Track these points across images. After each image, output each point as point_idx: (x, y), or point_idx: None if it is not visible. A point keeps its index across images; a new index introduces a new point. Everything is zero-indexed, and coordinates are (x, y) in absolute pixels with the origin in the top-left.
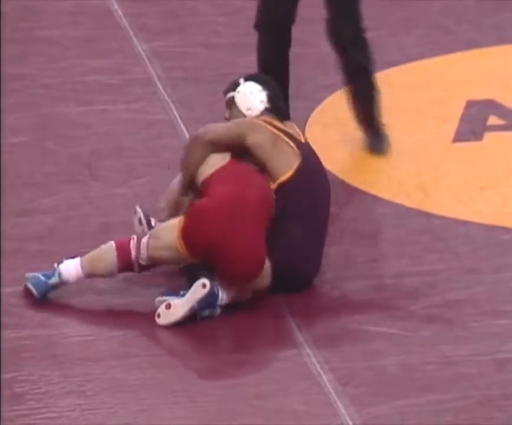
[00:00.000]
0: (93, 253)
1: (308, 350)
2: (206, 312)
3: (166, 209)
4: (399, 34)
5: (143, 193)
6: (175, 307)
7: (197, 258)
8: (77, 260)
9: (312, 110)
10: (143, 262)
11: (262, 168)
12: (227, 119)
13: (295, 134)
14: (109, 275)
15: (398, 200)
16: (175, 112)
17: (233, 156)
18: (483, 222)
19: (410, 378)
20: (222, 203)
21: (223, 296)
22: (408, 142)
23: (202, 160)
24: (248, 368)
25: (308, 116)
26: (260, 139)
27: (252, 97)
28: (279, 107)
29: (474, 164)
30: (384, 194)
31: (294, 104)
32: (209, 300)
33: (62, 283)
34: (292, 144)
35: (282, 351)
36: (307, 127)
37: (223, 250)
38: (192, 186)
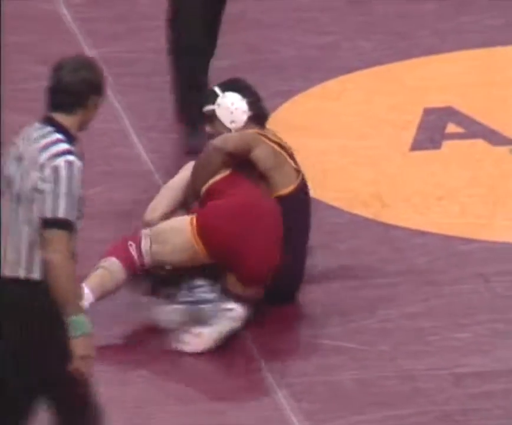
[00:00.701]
0: (98, 275)
1: (263, 364)
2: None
3: (158, 218)
4: (357, 39)
5: (97, 202)
6: (206, 337)
7: (213, 258)
8: (83, 287)
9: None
10: (145, 267)
11: (262, 180)
12: (211, 134)
13: (290, 149)
14: (118, 290)
15: (354, 210)
16: (126, 120)
17: (234, 168)
18: (442, 233)
19: (367, 393)
20: (240, 204)
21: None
22: (365, 150)
23: (219, 170)
24: (201, 382)
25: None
26: (264, 152)
27: (234, 108)
28: (261, 111)
29: (432, 173)
30: (340, 204)
31: None
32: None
33: None
34: (290, 160)
35: (237, 366)
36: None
37: (239, 248)
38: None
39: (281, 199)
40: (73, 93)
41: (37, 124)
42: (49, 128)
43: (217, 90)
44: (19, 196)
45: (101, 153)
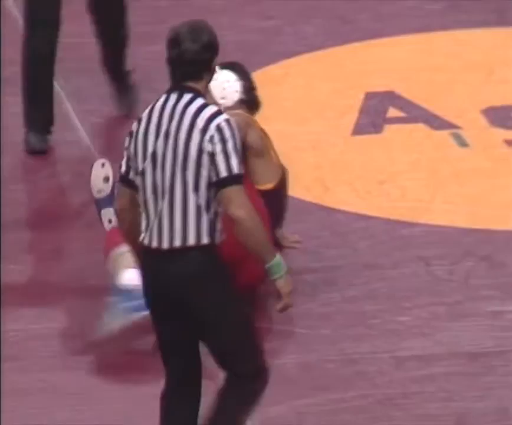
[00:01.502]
0: (130, 258)
1: (202, 347)
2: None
3: None
4: (298, 23)
5: (40, 189)
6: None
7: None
8: (133, 270)
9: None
10: None
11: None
12: None
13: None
14: None
15: (297, 195)
16: (68, 105)
17: None
18: (383, 216)
19: (309, 377)
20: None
21: None
22: (307, 135)
23: None
24: (145, 369)
25: None
26: (256, 135)
27: (227, 85)
28: (253, 99)
29: (374, 157)
30: None
31: None
32: None
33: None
34: (273, 153)
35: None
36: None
37: (238, 257)
38: None
39: (263, 193)
40: (199, 62)
41: (172, 96)
42: (189, 96)
43: (216, 67)
44: (175, 168)
45: None
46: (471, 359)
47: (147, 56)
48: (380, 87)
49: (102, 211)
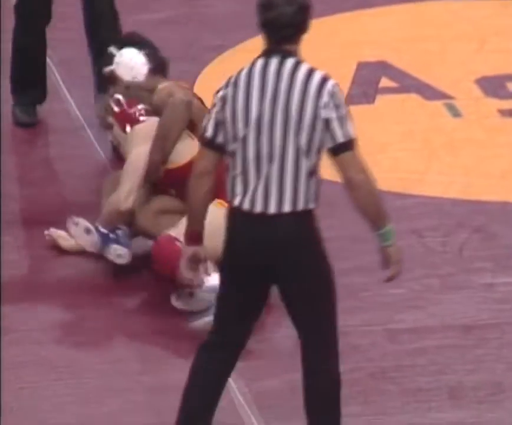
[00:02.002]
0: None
1: (194, 320)
2: None
3: (133, 203)
4: None
5: (24, 161)
6: (196, 300)
7: None
8: (215, 276)
9: (200, 72)
10: None
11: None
12: (101, 111)
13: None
14: None
15: None
16: (57, 75)
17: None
18: None
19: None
20: None
21: None
22: None
23: (185, 124)
24: (131, 344)
25: (196, 78)
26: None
27: (134, 63)
28: (160, 61)
29: (366, 128)
30: None
31: (180, 67)
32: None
33: None
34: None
35: (165, 323)
36: (194, 89)
37: None
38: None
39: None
40: (297, 24)
41: (272, 59)
42: (292, 60)
43: (113, 50)
44: (286, 132)
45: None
46: (464, 332)
47: (138, 24)
48: (372, 57)
49: (108, 250)
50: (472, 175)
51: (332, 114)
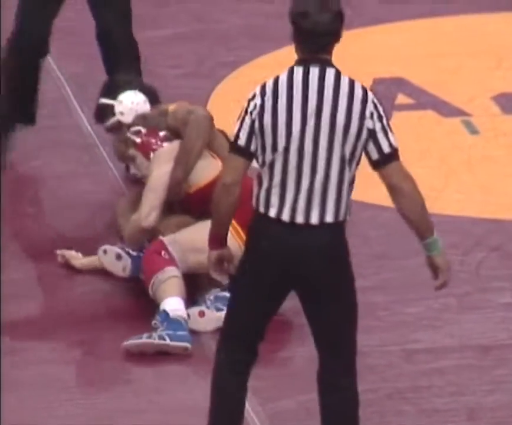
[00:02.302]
0: (174, 284)
1: (206, 338)
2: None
3: (155, 221)
4: None
5: (36, 178)
6: (208, 320)
7: None
8: (177, 298)
9: (213, 89)
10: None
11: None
12: (119, 146)
13: None
14: None
15: None
16: (68, 90)
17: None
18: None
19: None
20: None
21: None
22: None
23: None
24: (145, 362)
25: (209, 95)
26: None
27: (136, 105)
28: (152, 89)
29: None
30: None
31: (193, 83)
32: None
33: (187, 323)
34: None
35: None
36: (207, 107)
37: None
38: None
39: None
40: (334, 32)
41: (312, 69)
42: (333, 70)
43: (107, 101)
44: (332, 143)
45: (38, 124)
46: (482, 352)
47: (149, 41)
48: (388, 73)
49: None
50: (490, 193)
51: (377, 126)
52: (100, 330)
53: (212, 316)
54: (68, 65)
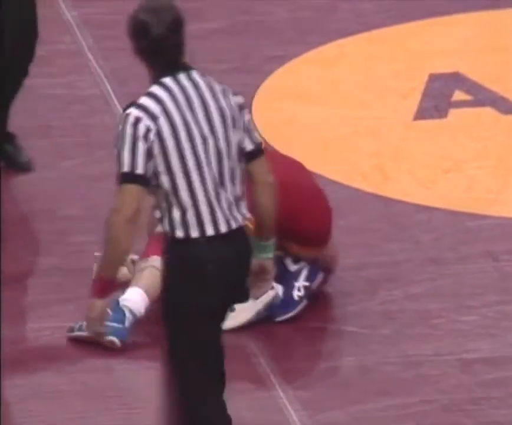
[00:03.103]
0: (148, 276)
1: (256, 349)
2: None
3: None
4: (356, 0)
5: (71, 178)
6: (240, 311)
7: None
8: (138, 290)
9: (259, 84)
10: None
11: None
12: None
13: None
14: None
15: (354, 184)
16: (108, 86)
17: None
18: (448, 208)
19: (368, 380)
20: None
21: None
22: (365, 120)
23: None
24: None
25: (255, 92)
26: None
27: None
28: None
29: (438, 144)
30: (338, 177)
31: (238, 79)
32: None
33: (135, 320)
34: None
35: (229, 350)
36: (253, 103)
37: (297, 217)
38: None
39: None
40: (181, 40)
41: (182, 78)
42: (195, 72)
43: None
44: (228, 138)
45: (75, 122)
46: None
47: (193, 34)
48: (444, 68)
49: None
50: None
51: (247, 116)
52: (136, 334)
53: (244, 304)
54: (108, 59)
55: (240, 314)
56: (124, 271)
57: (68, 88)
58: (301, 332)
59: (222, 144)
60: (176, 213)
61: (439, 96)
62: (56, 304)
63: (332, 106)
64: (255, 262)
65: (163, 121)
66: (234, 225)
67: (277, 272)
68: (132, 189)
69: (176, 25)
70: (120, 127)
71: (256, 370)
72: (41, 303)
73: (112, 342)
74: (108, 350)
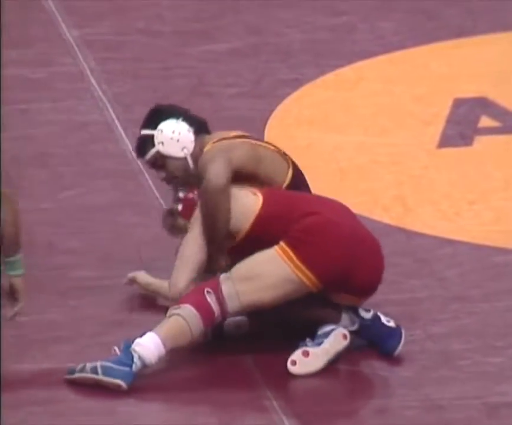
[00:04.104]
0: (171, 325)
1: (268, 392)
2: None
3: (185, 287)
4: (375, 19)
5: (71, 209)
6: (314, 357)
7: (325, 284)
8: (155, 338)
9: (273, 110)
10: (231, 316)
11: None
12: (167, 179)
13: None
14: (192, 343)
15: (373, 216)
16: (111, 112)
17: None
18: (473, 242)
19: None
20: (331, 219)
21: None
22: (385, 147)
23: (229, 207)
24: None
25: (267, 118)
26: (244, 152)
27: (177, 135)
28: (198, 120)
29: (463, 174)
30: (357, 208)
31: (249, 104)
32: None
33: (144, 367)
34: (270, 146)
35: (241, 392)
36: (266, 130)
37: (353, 264)
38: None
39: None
40: None
41: None
42: None
43: (148, 132)
44: None
45: (75, 150)
46: None
47: (201, 56)
48: (470, 92)
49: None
50: None
51: None
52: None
53: (317, 351)
54: (111, 83)
55: (313, 362)
56: (148, 280)
57: (68, 114)
58: (319, 373)
59: None
60: None
61: (464, 122)
62: (54, 344)
63: (350, 133)
64: (5, 281)
65: None
66: None
67: (357, 327)
68: None
69: None
70: None
71: (269, 413)
72: (37, 342)
73: (118, 385)
74: (110, 392)
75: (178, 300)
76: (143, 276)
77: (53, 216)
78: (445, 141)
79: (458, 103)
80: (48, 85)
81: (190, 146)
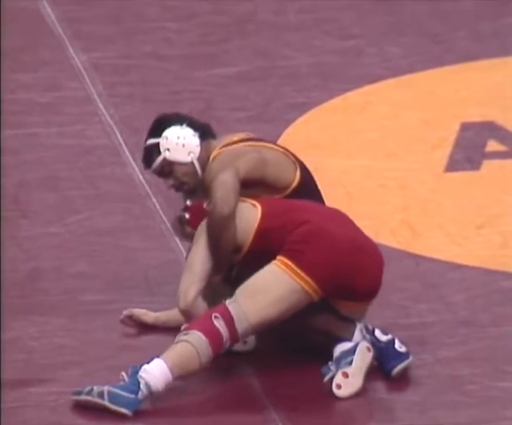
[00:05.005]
0: (179, 352)
1: (274, 415)
2: None
3: (194, 298)
4: (383, 43)
5: (80, 232)
6: (353, 376)
7: (326, 291)
8: (163, 365)
9: (280, 134)
10: (242, 338)
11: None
12: (176, 186)
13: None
14: (201, 369)
15: (381, 240)
16: (118, 136)
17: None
18: (481, 266)
19: None
20: (321, 225)
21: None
22: (393, 172)
23: (235, 233)
24: None
25: (275, 141)
26: (249, 160)
27: (182, 140)
28: (202, 125)
29: (470, 198)
30: (365, 232)
31: (257, 128)
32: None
33: (151, 394)
34: (277, 148)
35: (248, 414)
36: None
37: (354, 270)
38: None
39: (295, 190)
40: None
41: None
42: None
43: (153, 140)
44: None
45: (83, 174)
46: None
47: (209, 80)
48: (477, 116)
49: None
50: None
51: None
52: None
53: (353, 370)
54: (118, 107)
55: (355, 382)
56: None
57: (76, 138)
58: (322, 396)
59: None
60: None
61: (472, 147)
62: (62, 368)
63: (357, 157)
64: None
65: None
66: None
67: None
68: None
69: None
70: None
71: None
72: (46, 366)
73: (123, 413)
74: (116, 416)
75: (187, 312)
76: (146, 315)
77: (61, 240)
78: (453, 165)
79: (466, 127)
80: (56, 109)
81: (196, 150)
